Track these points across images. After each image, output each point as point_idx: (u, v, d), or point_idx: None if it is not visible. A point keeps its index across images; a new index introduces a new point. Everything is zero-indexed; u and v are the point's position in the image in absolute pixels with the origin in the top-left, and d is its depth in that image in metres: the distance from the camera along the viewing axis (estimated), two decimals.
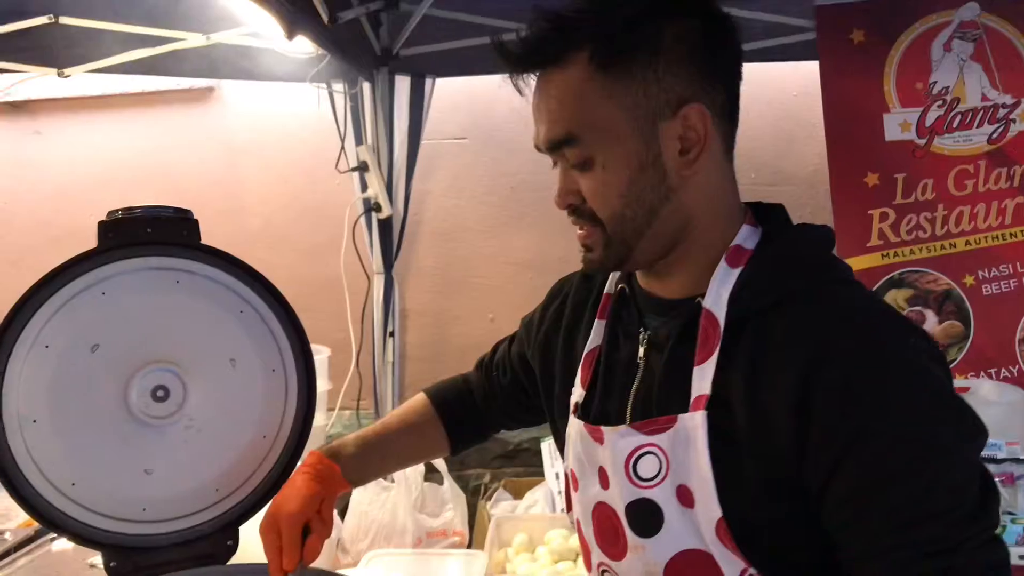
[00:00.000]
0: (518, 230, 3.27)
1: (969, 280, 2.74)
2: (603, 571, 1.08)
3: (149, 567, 1.20)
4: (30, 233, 3.27)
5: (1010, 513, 2.12)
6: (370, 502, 1.92)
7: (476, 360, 1.46)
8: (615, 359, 1.11)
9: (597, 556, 1.09)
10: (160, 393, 1.23)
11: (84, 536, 1.19)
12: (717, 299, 0.98)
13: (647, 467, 0.99)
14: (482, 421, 1.42)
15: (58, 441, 1.18)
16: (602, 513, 1.06)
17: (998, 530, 0.91)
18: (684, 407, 0.97)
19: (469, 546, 2.14)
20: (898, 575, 0.88)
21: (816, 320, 0.93)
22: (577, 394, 1.14)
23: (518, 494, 2.78)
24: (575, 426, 1.11)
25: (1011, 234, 2.71)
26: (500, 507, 2.62)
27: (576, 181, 1.01)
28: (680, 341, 1.01)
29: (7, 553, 1.65)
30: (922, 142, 2.71)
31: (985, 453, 2.21)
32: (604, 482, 1.05)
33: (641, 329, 1.07)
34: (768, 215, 1.06)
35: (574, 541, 1.87)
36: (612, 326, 1.13)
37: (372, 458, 1.32)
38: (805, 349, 0.91)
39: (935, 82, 2.70)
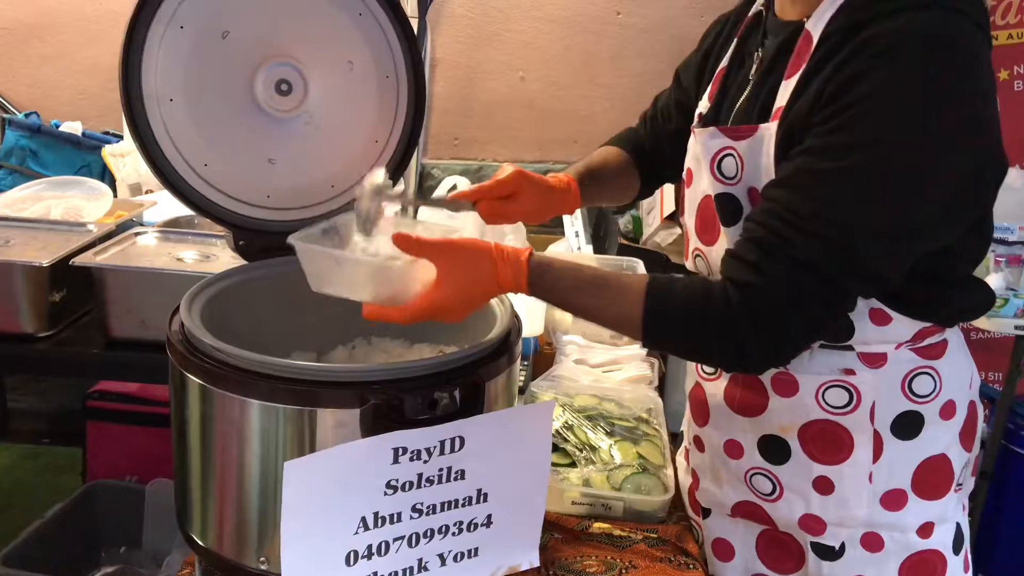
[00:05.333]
0: None
1: (1003, 75, 2.79)
2: (696, 256, 1.24)
3: (272, 248, 1.29)
4: None
5: (1012, 290, 2.31)
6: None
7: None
8: (735, 76, 1.21)
9: (694, 243, 1.24)
10: (284, 87, 1.27)
11: (216, 215, 1.28)
12: (819, 19, 1.06)
13: (728, 167, 1.12)
14: (658, 167, 1.46)
15: (192, 122, 1.23)
16: (705, 205, 1.19)
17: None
18: (767, 118, 1.09)
19: None
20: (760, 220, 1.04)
21: (879, 33, 0.98)
22: (703, 105, 1.26)
23: (539, 247, 2.92)
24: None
25: None
26: None
27: None
28: (777, 57, 1.11)
29: (95, 243, 1.74)
30: None
31: (997, 235, 2.36)
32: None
33: (759, 48, 1.17)
34: None
35: None
36: (740, 47, 1.23)
37: (597, 188, 1.37)
38: (851, 52, 0.99)
39: None
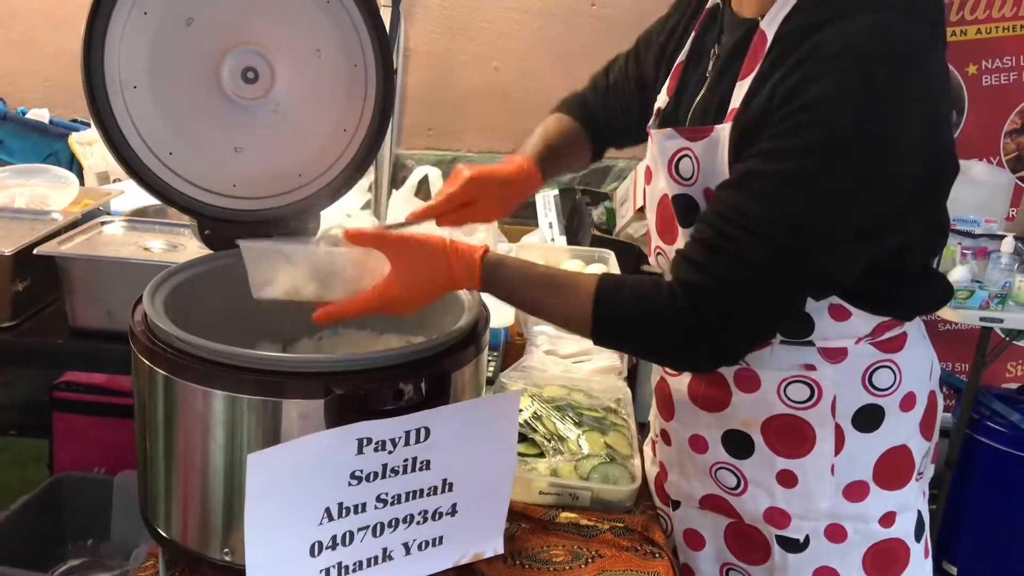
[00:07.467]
0: None
1: (972, 69, 2.82)
2: (658, 253, 1.25)
3: (238, 238, 1.28)
4: None
5: (978, 281, 2.34)
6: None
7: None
8: (692, 72, 1.20)
9: (655, 241, 1.24)
10: (250, 75, 1.26)
11: (181, 204, 1.26)
12: (773, 19, 1.05)
13: (685, 168, 1.12)
14: (608, 136, 1.45)
15: (156, 109, 1.22)
16: (664, 204, 1.20)
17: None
18: (722, 119, 1.08)
19: None
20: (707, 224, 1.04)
21: (831, 37, 0.98)
22: (661, 100, 1.24)
23: (512, 238, 2.92)
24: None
25: (1021, 26, 2.75)
26: (499, 248, 2.77)
27: None
28: (732, 56, 1.10)
29: (60, 231, 1.72)
30: None
31: (962, 228, 2.39)
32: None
33: (716, 45, 1.15)
34: None
35: (590, 269, 2.02)
36: (697, 42, 1.21)
37: (555, 163, 1.34)
38: (803, 56, 0.98)
39: None
